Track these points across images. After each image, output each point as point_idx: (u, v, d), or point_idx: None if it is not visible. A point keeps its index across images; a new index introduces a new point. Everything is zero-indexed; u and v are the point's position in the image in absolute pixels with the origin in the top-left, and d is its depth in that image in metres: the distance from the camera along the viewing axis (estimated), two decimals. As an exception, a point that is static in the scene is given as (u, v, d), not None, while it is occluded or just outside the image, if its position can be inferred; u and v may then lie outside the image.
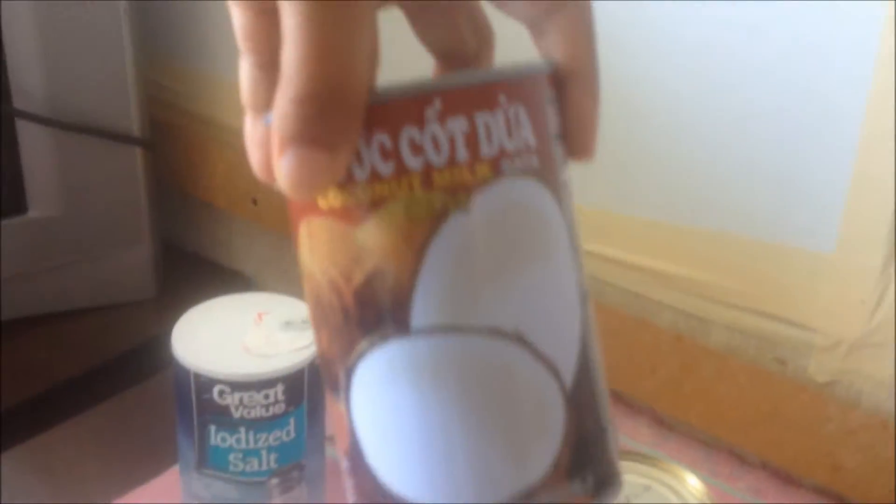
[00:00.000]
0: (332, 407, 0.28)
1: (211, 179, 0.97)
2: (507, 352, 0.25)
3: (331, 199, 0.25)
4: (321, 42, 0.22)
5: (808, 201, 0.63)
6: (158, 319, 0.87)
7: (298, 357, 0.53)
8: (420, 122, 0.24)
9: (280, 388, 0.52)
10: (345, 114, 0.23)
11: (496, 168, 0.25)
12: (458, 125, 0.25)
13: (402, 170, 0.25)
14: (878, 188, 0.59)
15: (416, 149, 0.24)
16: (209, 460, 0.53)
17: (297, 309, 0.57)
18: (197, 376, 0.51)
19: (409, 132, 0.24)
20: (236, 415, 0.52)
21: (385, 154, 0.24)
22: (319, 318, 0.27)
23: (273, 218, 0.92)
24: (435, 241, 0.25)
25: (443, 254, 0.25)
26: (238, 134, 0.30)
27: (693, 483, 0.52)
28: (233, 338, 0.54)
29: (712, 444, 0.73)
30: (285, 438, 0.53)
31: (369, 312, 0.25)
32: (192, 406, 0.52)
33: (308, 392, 0.54)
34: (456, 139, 0.25)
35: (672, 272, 0.71)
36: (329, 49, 0.22)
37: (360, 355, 0.26)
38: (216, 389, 0.51)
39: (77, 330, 0.89)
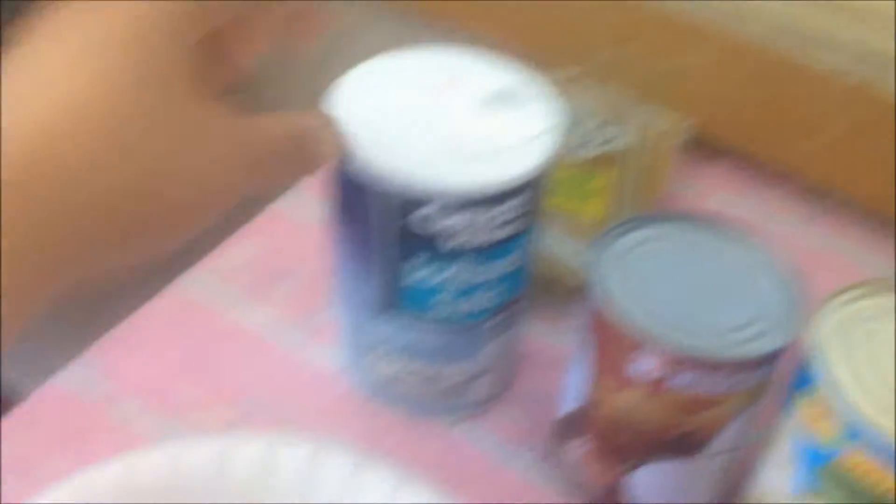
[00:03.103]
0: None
1: None
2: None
3: None
4: None
5: None
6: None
7: (535, 153, 0.35)
8: None
9: (514, 202, 0.35)
10: None
11: None
12: None
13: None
14: None
15: None
16: (402, 302, 0.39)
17: (498, 70, 0.38)
18: (397, 196, 0.35)
19: None
20: (448, 245, 0.36)
21: None
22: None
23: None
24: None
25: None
26: None
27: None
28: (421, 126, 0.36)
29: (886, 222, 0.55)
30: (508, 269, 0.38)
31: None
32: (381, 234, 0.36)
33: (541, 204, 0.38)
34: None
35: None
36: None
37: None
38: (422, 212, 0.35)
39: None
